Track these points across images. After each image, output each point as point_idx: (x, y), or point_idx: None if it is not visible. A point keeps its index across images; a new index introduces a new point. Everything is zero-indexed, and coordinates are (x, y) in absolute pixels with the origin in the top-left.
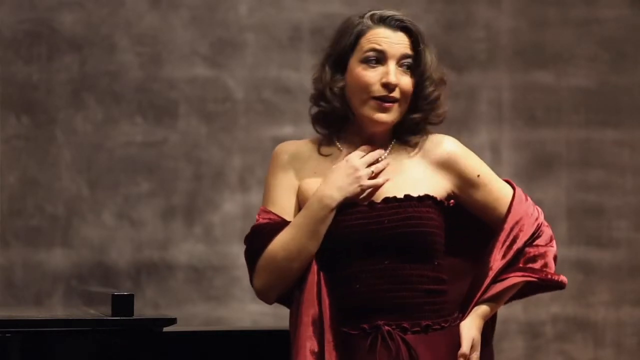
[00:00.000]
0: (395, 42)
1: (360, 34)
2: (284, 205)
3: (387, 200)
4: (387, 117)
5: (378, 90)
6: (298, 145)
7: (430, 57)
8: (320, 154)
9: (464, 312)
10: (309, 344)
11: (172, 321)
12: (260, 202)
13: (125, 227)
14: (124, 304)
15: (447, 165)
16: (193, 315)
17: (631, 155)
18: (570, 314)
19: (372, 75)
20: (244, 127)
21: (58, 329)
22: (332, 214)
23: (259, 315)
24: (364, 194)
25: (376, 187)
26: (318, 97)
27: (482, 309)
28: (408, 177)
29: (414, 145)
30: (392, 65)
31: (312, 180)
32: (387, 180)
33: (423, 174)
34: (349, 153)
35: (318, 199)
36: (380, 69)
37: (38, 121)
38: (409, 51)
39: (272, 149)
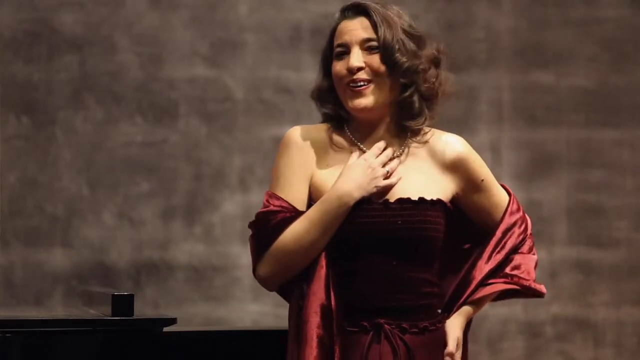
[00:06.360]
0: (353, 29)
1: (333, 32)
2: (295, 193)
3: (401, 201)
4: (364, 100)
5: (345, 78)
6: (311, 131)
7: (391, 32)
8: (333, 144)
9: (448, 312)
10: (319, 334)
11: (172, 321)
12: (260, 202)
13: (125, 227)
14: (124, 304)
15: (455, 168)
16: (193, 315)
17: (631, 155)
18: (570, 314)
19: (340, 66)
20: (244, 127)
21: (58, 329)
22: (348, 212)
23: (259, 315)
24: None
25: (390, 187)
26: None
27: (467, 310)
28: (418, 177)
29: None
30: (354, 50)
31: (325, 173)
32: (399, 179)
33: (432, 175)
34: (361, 148)
35: (337, 196)
36: (346, 58)
37: (38, 121)
38: (370, 34)
39: (272, 149)
